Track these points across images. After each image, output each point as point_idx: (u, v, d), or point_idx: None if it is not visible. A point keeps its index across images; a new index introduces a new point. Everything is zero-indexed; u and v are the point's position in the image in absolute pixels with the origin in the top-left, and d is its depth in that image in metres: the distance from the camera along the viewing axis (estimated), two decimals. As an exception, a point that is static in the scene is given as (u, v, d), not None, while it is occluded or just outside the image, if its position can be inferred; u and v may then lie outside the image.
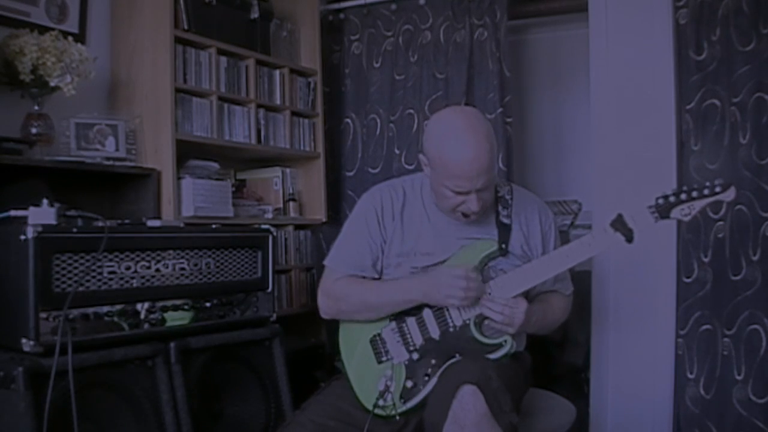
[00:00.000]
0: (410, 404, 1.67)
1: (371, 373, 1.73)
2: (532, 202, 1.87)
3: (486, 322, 1.70)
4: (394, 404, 1.67)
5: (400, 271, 1.78)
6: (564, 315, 1.89)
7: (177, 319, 1.93)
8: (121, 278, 1.80)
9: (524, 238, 1.80)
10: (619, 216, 1.66)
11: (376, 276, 1.82)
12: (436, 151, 1.64)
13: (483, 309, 1.66)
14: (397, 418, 1.67)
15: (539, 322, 1.75)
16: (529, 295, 1.78)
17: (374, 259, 1.80)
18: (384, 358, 1.74)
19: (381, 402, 1.67)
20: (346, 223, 1.89)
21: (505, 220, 1.78)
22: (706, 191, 1.63)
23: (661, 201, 1.64)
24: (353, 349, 1.80)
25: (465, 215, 1.70)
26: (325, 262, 1.86)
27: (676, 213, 1.64)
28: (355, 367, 1.78)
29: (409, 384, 1.68)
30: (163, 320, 1.90)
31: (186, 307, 1.96)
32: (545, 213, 1.87)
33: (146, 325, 1.85)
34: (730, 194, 1.63)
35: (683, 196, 1.63)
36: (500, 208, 1.79)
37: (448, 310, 1.71)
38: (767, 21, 2.40)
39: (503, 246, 1.75)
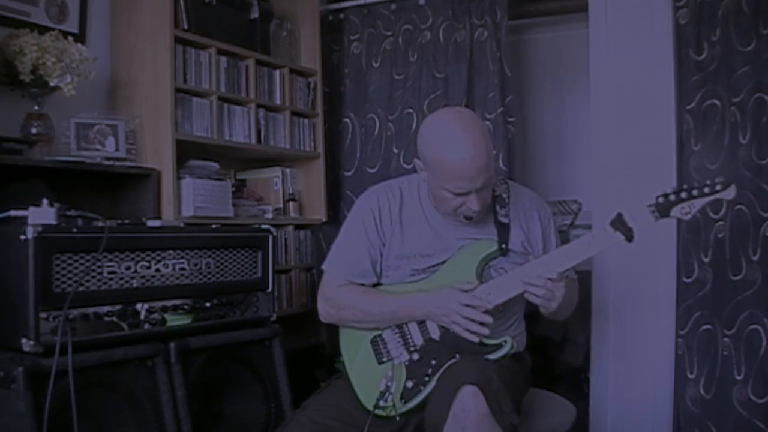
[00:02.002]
0: (410, 405, 1.67)
1: (372, 374, 1.73)
2: (530, 199, 1.87)
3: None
4: (394, 405, 1.67)
5: (400, 273, 1.78)
6: (577, 297, 1.88)
7: (177, 319, 1.93)
8: (121, 278, 1.80)
9: (524, 235, 1.80)
10: (619, 215, 1.65)
11: (376, 279, 1.81)
12: (434, 153, 1.64)
13: (527, 287, 1.63)
14: (398, 418, 1.67)
15: (568, 300, 1.72)
16: None
17: (373, 263, 1.79)
18: (384, 359, 1.74)
19: (381, 402, 1.67)
20: (343, 227, 1.88)
21: (504, 219, 1.78)
22: (706, 189, 1.62)
23: (661, 200, 1.64)
24: (354, 350, 1.79)
25: (466, 217, 1.70)
26: (324, 267, 1.85)
27: (676, 211, 1.63)
28: (356, 368, 1.78)
29: (410, 384, 1.68)
30: (163, 320, 1.90)
31: (186, 307, 1.96)
32: (543, 208, 1.88)
33: (146, 325, 1.85)
34: (730, 192, 1.62)
35: (683, 195, 1.63)
36: (498, 207, 1.78)
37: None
38: (767, 21, 2.40)
39: (503, 246, 1.74)
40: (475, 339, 1.64)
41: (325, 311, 1.83)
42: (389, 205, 1.80)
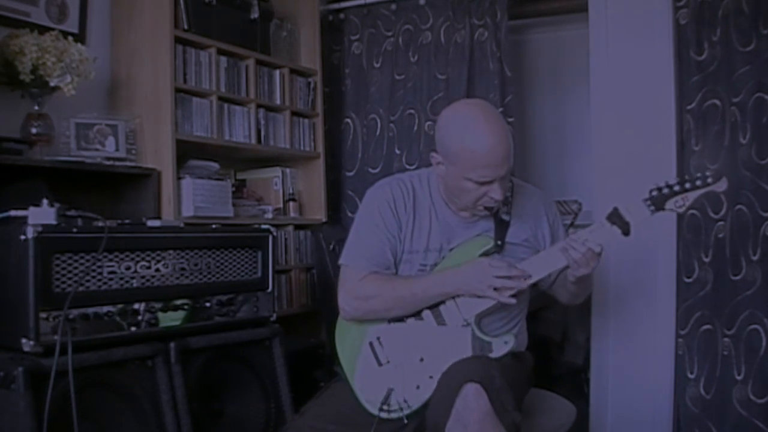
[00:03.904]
0: (414, 407, 1.66)
1: (372, 376, 1.72)
2: (534, 195, 1.87)
3: (484, 320, 1.70)
4: (400, 408, 1.65)
5: (408, 268, 1.75)
6: (592, 284, 1.90)
7: (176, 319, 1.93)
8: (121, 278, 1.80)
9: (531, 231, 1.80)
10: (615, 209, 1.66)
11: (395, 271, 1.77)
12: (459, 143, 1.62)
13: (567, 249, 1.64)
14: (405, 421, 1.65)
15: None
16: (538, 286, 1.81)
17: (393, 253, 1.75)
18: (385, 361, 1.73)
19: (386, 407, 1.66)
20: (357, 220, 1.83)
21: (505, 217, 1.77)
22: (698, 182, 1.64)
23: (654, 193, 1.66)
24: (353, 353, 1.78)
25: (487, 208, 1.69)
26: (343, 261, 1.80)
27: (670, 204, 1.65)
28: (356, 371, 1.76)
29: (413, 386, 1.67)
30: (163, 320, 1.89)
31: (186, 307, 1.96)
32: (548, 204, 1.88)
33: (146, 325, 1.85)
34: (722, 185, 1.64)
35: (677, 188, 1.65)
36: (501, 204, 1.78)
37: (448, 311, 1.71)
38: (767, 21, 2.40)
39: (499, 242, 1.74)
40: (512, 301, 1.63)
41: (350, 306, 1.76)
42: (404, 198, 1.78)
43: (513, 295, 1.63)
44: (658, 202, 1.65)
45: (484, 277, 1.63)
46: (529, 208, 1.82)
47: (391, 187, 1.80)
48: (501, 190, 1.64)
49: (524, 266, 1.68)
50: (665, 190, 1.65)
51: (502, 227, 1.76)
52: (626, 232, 1.65)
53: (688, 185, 1.64)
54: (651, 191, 1.66)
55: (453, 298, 1.69)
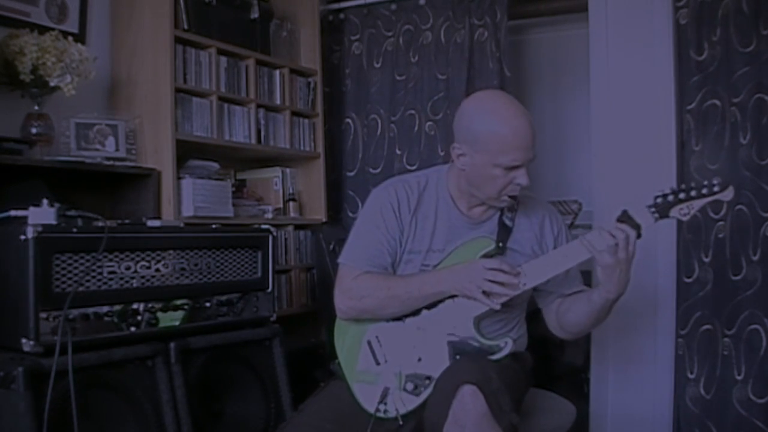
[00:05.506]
0: (411, 407, 1.65)
1: (370, 376, 1.72)
2: (540, 207, 1.84)
3: (483, 322, 1.70)
4: (396, 409, 1.65)
5: (410, 268, 1.75)
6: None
7: (176, 319, 1.93)
8: (121, 278, 1.80)
9: (535, 239, 1.78)
10: (625, 212, 1.64)
11: (392, 272, 1.77)
12: (488, 128, 1.61)
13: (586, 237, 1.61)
14: (401, 422, 1.65)
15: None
16: (544, 294, 1.80)
17: (392, 255, 1.75)
18: (383, 360, 1.73)
19: (381, 407, 1.66)
20: (359, 219, 1.82)
21: (508, 222, 1.77)
22: (704, 191, 1.61)
23: (659, 200, 1.63)
24: (351, 351, 1.78)
25: (512, 197, 1.68)
26: (341, 260, 1.79)
27: (674, 212, 1.63)
28: (354, 370, 1.76)
29: (410, 387, 1.67)
30: (163, 320, 1.89)
31: (186, 307, 1.96)
32: (554, 217, 1.85)
33: (146, 325, 1.85)
34: (728, 194, 1.62)
35: (682, 196, 1.62)
36: (505, 209, 1.78)
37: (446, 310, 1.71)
38: (767, 21, 2.40)
39: (500, 245, 1.74)
40: (497, 307, 1.62)
41: (345, 304, 1.75)
42: (408, 198, 1.77)
43: (506, 303, 1.62)
44: (662, 209, 1.62)
45: (474, 278, 1.61)
46: (534, 216, 1.80)
47: (395, 188, 1.79)
48: (527, 175, 1.63)
49: (523, 269, 1.65)
50: (670, 197, 1.62)
51: (504, 231, 1.76)
52: (638, 235, 1.63)
53: (693, 193, 1.61)
54: (656, 198, 1.63)
55: (451, 298, 1.69)
